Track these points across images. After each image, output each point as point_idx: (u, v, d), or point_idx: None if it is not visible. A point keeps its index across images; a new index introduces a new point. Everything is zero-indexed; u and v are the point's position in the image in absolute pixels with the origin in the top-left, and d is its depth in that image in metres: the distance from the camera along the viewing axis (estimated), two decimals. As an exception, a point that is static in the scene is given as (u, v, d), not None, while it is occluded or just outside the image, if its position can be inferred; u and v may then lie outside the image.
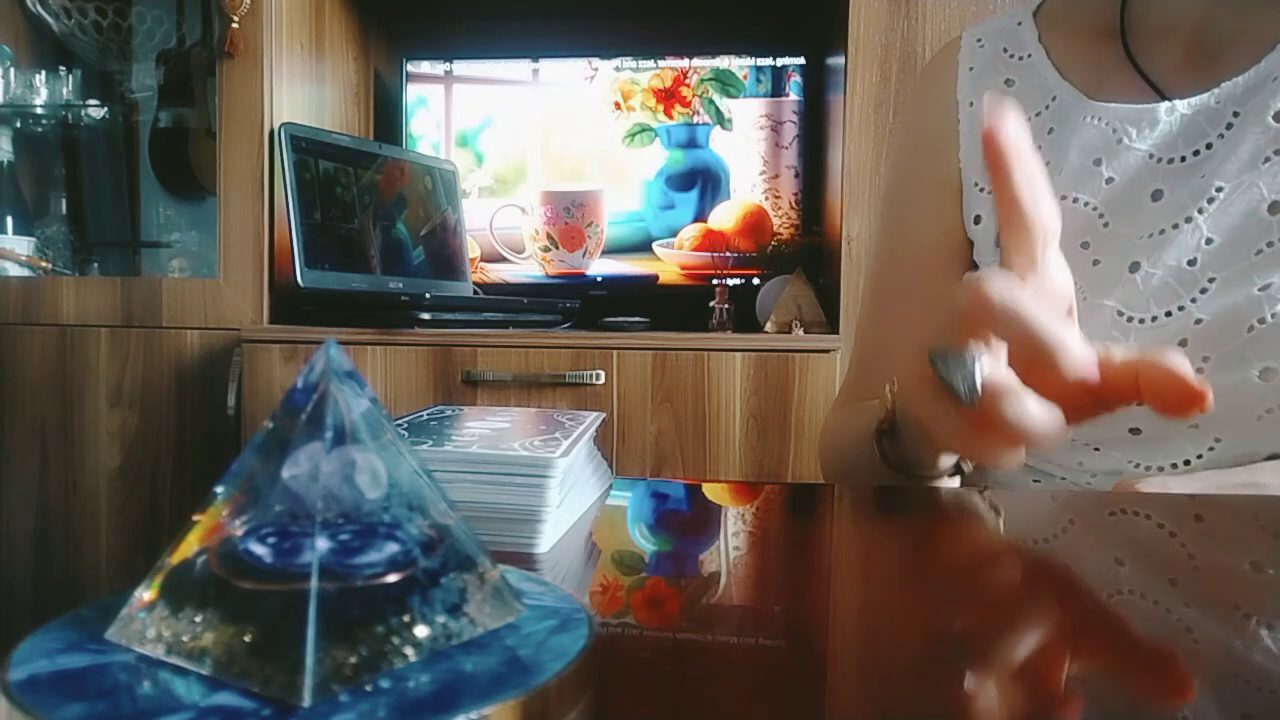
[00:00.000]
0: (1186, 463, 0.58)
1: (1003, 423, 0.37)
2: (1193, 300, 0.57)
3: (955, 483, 0.56)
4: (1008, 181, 0.38)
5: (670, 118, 1.62)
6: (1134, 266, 0.59)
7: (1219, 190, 0.58)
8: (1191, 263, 0.58)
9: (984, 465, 0.46)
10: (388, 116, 1.76)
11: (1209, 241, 0.57)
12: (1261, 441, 0.56)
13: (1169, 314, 0.58)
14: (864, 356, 0.75)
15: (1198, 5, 0.61)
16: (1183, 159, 0.59)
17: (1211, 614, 0.31)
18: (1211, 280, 0.57)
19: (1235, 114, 0.58)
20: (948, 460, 0.52)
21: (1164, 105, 0.60)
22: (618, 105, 1.62)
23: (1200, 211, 0.58)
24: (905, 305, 0.71)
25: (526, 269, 1.66)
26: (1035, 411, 0.37)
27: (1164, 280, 0.58)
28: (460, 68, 1.65)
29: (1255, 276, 0.56)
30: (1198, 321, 0.57)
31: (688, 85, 1.61)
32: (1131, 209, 0.60)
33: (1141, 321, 0.59)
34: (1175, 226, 0.58)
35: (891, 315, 0.72)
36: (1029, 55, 0.67)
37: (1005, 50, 0.69)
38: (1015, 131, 0.38)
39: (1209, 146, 0.58)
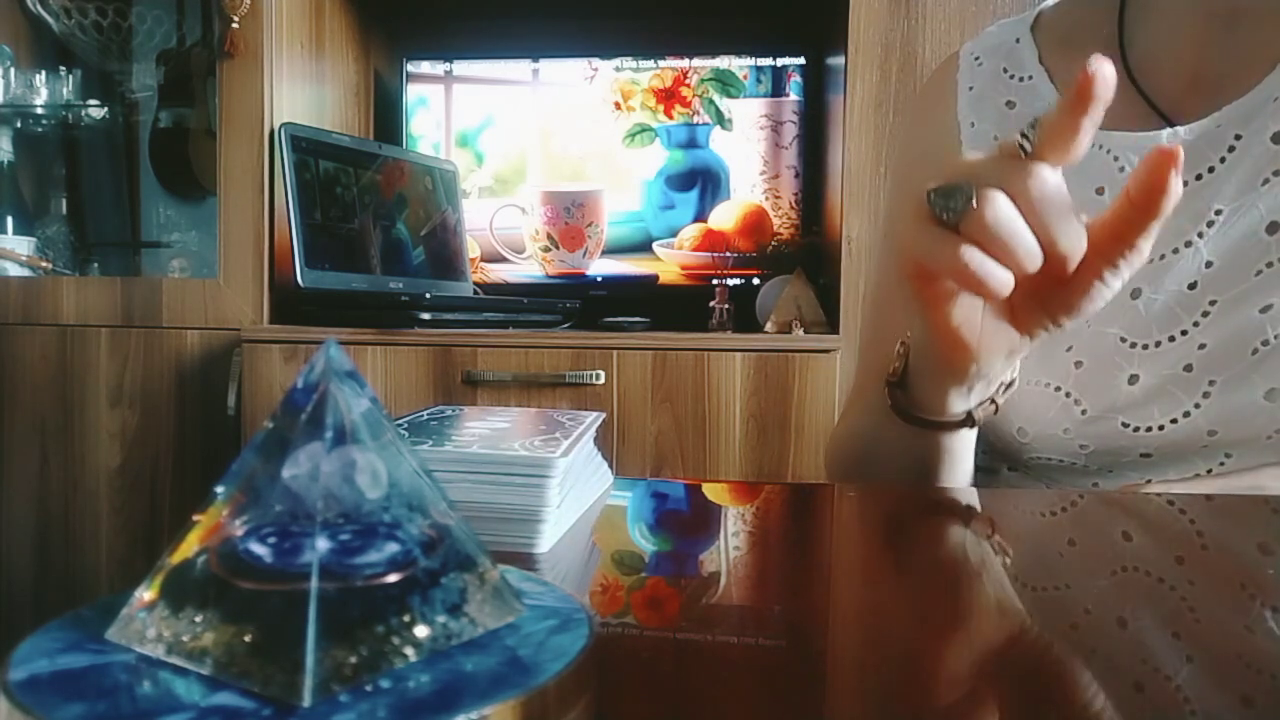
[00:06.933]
0: (1196, 476, 0.59)
1: (994, 237, 0.40)
2: (1195, 324, 0.57)
3: (970, 439, 0.56)
4: (1082, 106, 0.39)
5: (670, 118, 1.62)
6: (1135, 293, 0.59)
7: (1218, 213, 0.57)
8: (1192, 286, 0.58)
9: (972, 339, 0.47)
10: (388, 116, 1.76)
11: (1209, 264, 0.57)
12: (1270, 459, 0.56)
13: (1172, 339, 0.58)
14: (865, 372, 0.74)
15: (1194, 26, 0.60)
16: (1185, 183, 0.59)
17: (1217, 596, 0.31)
18: (1213, 303, 0.57)
19: (1237, 136, 0.57)
20: (959, 402, 0.53)
21: (1166, 132, 0.59)
22: (618, 105, 1.62)
23: (1200, 235, 0.58)
24: (906, 329, 0.71)
25: (526, 269, 1.66)
26: (1024, 230, 0.40)
27: (1166, 305, 0.58)
28: (460, 68, 1.65)
29: (1256, 298, 0.56)
30: (1201, 346, 0.57)
31: (688, 85, 1.61)
32: None
33: (1145, 347, 0.59)
34: (1175, 251, 0.58)
35: (890, 335, 0.72)
36: (1030, 77, 0.66)
37: (1005, 70, 0.68)
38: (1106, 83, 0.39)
39: (1211, 170, 0.58)
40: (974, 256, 0.41)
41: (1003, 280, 0.41)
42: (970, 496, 0.54)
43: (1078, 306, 0.44)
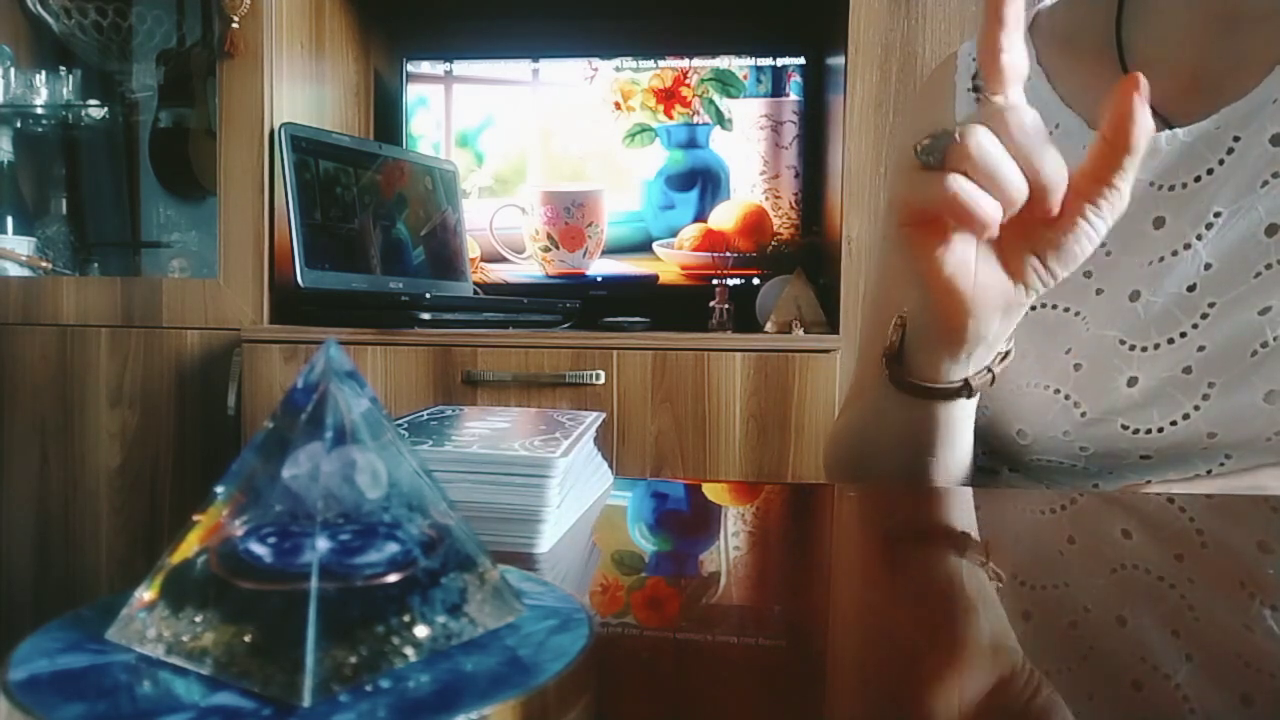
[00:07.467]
0: (1196, 477, 0.59)
1: (979, 165, 0.42)
2: (1194, 326, 0.57)
3: (968, 412, 0.56)
4: (995, 24, 0.44)
5: (670, 118, 1.62)
6: (1135, 295, 0.59)
7: (1217, 215, 0.57)
8: (1191, 288, 0.58)
9: (965, 280, 0.48)
10: (388, 116, 1.76)
11: (1208, 267, 0.57)
12: (1270, 459, 0.56)
13: (1171, 341, 0.58)
14: (865, 371, 0.74)
15: (1193, 27, 0.60)
16: (1184, 185, 0.59)
17: (1217, 594, 0.31)
18: (1211, 305, 0.57)
19: (1236, 139, 0.57)
20: (957, 369, 0.53)
21: (1165, 134, 0.59)
22: (618, 105, 1.62)
23: (1199, 237, 0.58)
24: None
25: (526, 269, 1.66)
26: (1007, 158, 0.42)
27: (1165, 308, 0.58)
28: (460, 68, 1.65)
29: (1255, 300, 0.56)
30: (1200, 348, 0.57)
31: (688, 85, 1.61)
32: (1134, 237, 0.60)
33: (1144, 349, 0.59)
34: (1175, 253, 0.58)
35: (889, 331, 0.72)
36: (1028, 78, 0.67)
37: None
38: None
39: (1210, 172, 0.58)
40: (961, 184, 0.42)
41: (991, 209, 0.43)
42: (969, 496, 0.54)
43: (1065, 247, 0.46)
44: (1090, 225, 0.45)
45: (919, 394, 0.54)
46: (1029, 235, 0.46)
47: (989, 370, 0.54)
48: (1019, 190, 0.43)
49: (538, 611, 0.24)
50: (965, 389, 0.54)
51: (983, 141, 0.42)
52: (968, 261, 0.47)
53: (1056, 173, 0.43)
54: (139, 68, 1.66)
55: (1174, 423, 0.58)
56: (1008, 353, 0.54)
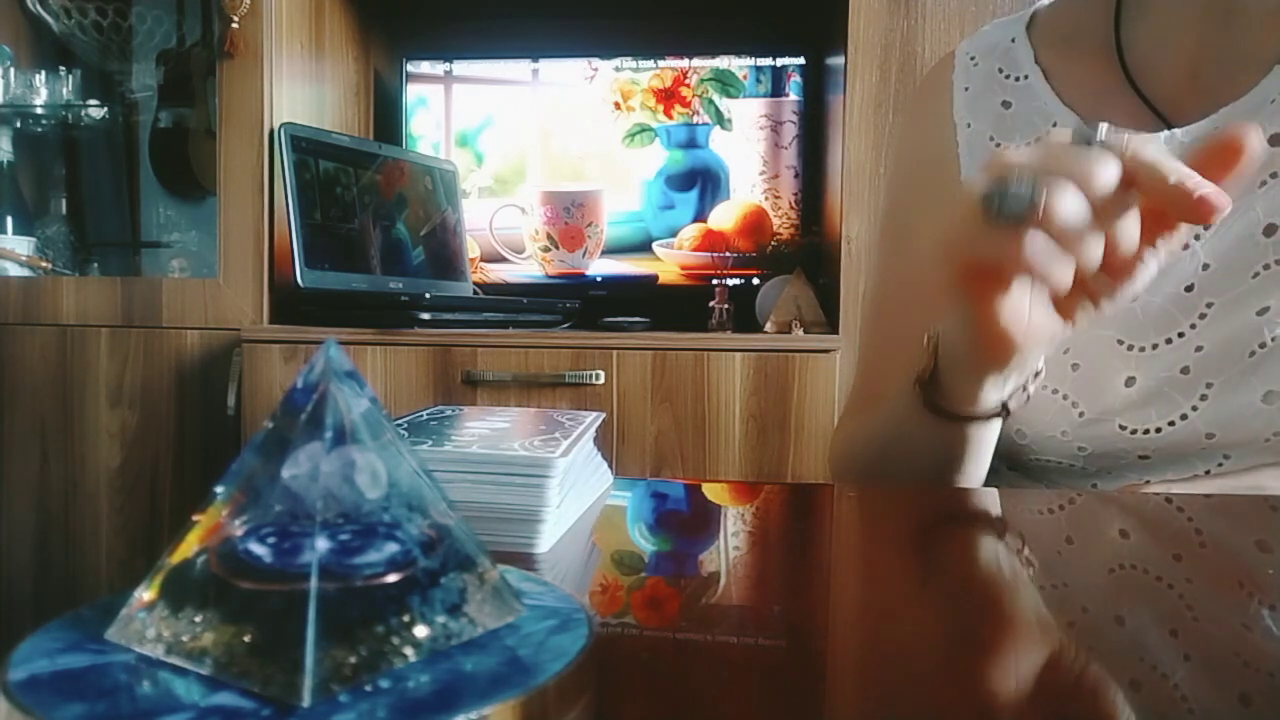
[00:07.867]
0: (1195, 477, 0.59)
1: (1064, 234, 0.39)
2: (1192, 326, 0.57)
3: (996, 430, 0.56)
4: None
5: (670, 118, 1.62)
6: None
7: None
8: (1189, 288, 0.57)
9: (1023, 338, 0.47)
10: (388, 116, 1.76)
11: (1206, 267, 0.57)
12: (1269, 459, 0.56)
13: (1169, 341, 0.58)
14: (867, 374, 0.74)
15: (1191, 25, 0.60)
16: None
17: (1215, 594, 0.31)
18: (1210, 305, 0.57)
19: None
20: (994, 393, 0.52)
21: (1164, 135, 0.59)
22: (617, 105, 1.62)
23: (1197, 238, 0.57)
24: (907, 327, 0.71)
25: (526, 269, 1.66)
26: (1093, 231, 0.39)
27: (1163, 307, 0.58)
28: (460, 68, 1.65)
29: (1253, 300, 0.56)
30: (1198, 349, 0.57)
31: (688, 85, 1.61)
32: None
33: (1142, 350, 0.59)
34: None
35: (894, 335, 0.72)
36: (1026, 77, 0.66)
37: (1001, 70, 0.67)
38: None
39: None
40: (1040, 247, 0.40)
41: (1066, 273, 0.41)
42: (969, 496, 0.54)
43: (1120, 290, 0.44)
44: (1146, 267, 0.43)
45: (955, 419, 0.55)
46: (1085, 279, 0.44)
47: (1024, 389, 0.54)
48: (1097, 257, 0.41)
49: (538, 611, 0.24)
50: (1002, 410, 0.54)
51: (1070, 206, 0.39)
52: (1024, 308, 0.46)
53: (1135, 233, 0.41)
54: (139, 68, 1.66)
55: (1172, 423, 0.58)
56: (1040, 370, 0.54)
